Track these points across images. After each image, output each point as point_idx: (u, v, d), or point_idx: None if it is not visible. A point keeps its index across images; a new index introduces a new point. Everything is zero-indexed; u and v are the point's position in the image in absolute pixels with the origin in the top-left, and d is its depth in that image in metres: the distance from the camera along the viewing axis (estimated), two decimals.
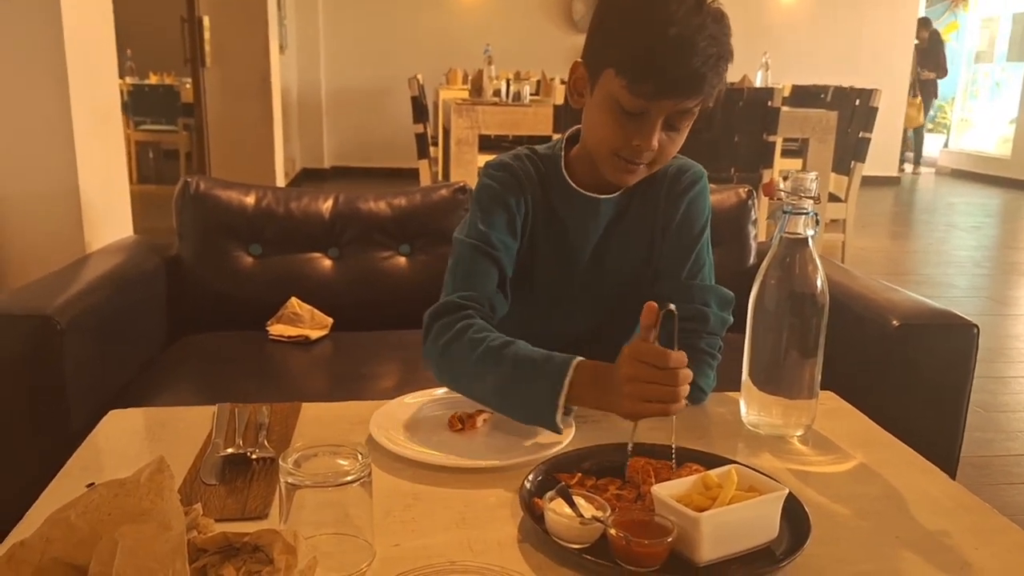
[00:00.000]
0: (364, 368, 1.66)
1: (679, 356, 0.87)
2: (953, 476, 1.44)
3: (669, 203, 1.17)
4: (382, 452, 0.94)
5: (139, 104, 7.51)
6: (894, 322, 1.43)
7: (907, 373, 1.44)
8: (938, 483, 0.93)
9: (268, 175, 4.99)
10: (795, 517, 0.78)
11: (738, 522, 0.74)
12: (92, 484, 0.70)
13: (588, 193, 1.17)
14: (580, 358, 0.97)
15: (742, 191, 1.90)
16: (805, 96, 5.43)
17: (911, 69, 8.82)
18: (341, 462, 0.76)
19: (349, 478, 0.73)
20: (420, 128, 4.01)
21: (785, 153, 4.39)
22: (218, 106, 4.91)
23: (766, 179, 3.44)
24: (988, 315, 4.04)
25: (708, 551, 0.72)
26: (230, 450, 0.94)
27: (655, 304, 0.87)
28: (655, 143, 1.04)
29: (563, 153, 1.18)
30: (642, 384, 0.88)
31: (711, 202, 1.20)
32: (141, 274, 1.75)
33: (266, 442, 0.97)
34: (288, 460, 0.73)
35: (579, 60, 1.11)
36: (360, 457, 0.75)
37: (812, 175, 0.99)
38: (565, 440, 0.96)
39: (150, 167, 7.73)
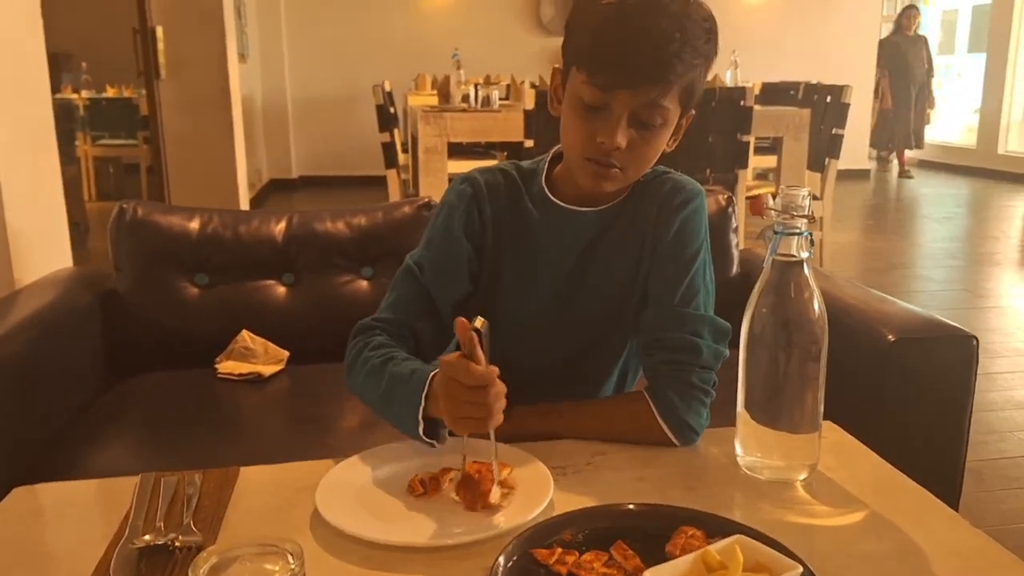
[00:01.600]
0: (324, 407, 1.53)
1: (484, 372, 0.83)
2: (958, 494, 1.34)
3: (660, 221, 1.07)
4: (330, 530, 0.81)
5: (97, 119, 7.29)
6: (890, 336, 1.33)
7: (905, 389, 1.35)
8: (961, 534, 0.82)
9: (231, 188, 4.82)
10: None
11: None
12: None
13: (568, 206, 1.08)
14: (437, 371, 0.91)
15: (721, 198, 1.79)
16: (775, 94, 5.37)
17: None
18: (268, 566, 0.63)
19: None
20: (387, 137, 3.88)
21: (758, 151, 4.33)
22: (175, 119, 4.73)
23: (742, 179, 3.36)
24: (966, 308, 4.00)
25: None
26: (147, 538, 0.80)
27: (464, 320, 0.83)
28: (619, 140, 0.97)
29: (547, 168, 1.11)
30: (453, 402, 0.85)
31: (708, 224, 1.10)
32: (72, 312, 1.61)
33: (192, 524, 0.83)
34: (201, 569, 0.60)
35: (556, 66, 1.06)
36: (291, 559, 0.62)
37: (804, 191, 0.88)
38: (543, 502, 0.84)
39: (110, 183, 7.49)
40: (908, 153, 9.06)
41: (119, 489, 0.91)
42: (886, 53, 8.62)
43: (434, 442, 0.93)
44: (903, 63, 8.57)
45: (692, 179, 1.10)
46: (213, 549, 0.63)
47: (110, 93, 7.61)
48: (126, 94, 7.45)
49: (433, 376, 0.92)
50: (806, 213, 0.86)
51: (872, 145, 9.04)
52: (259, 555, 0.64)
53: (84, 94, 7.27)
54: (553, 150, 1.12)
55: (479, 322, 0.84)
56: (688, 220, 1.06)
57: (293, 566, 0.61)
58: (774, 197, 0.87)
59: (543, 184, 1.09)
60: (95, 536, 0.82)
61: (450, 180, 1.25)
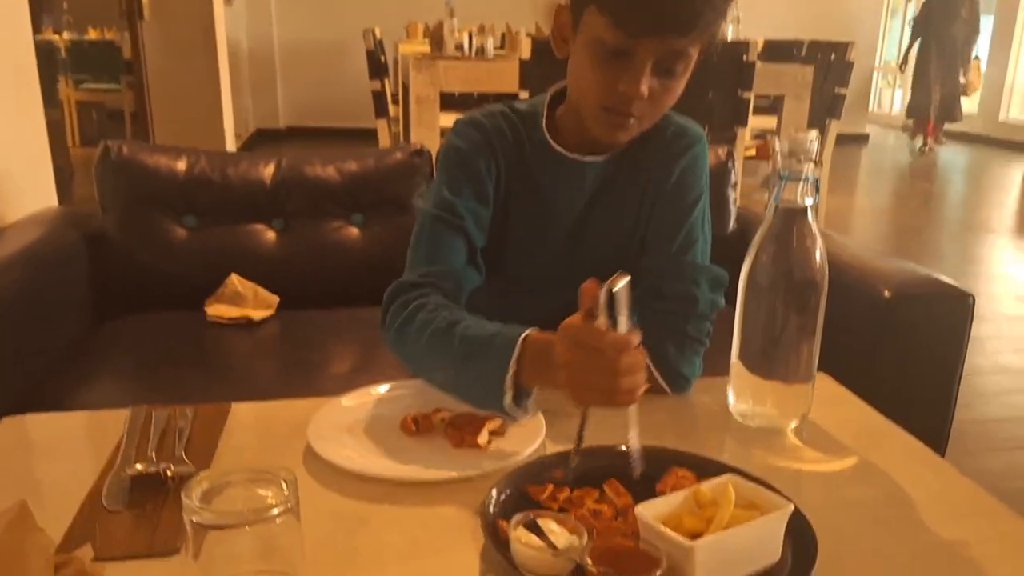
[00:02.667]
0: (315, 352, 1.52)
1: (619, 338, 0.72)
2: (943, 450, 1.36)
3: (662, 167, 1.04)
4: (323, 465, 0.81)
5: (79, 61, 7.09)
6: (885, 293, 1.34)
7: (899, 346, 1.35)
8: (949, 481, 0.83)
9: (217, 136, 4.73)
10: (799, 534, 0.67)
11: (738, 548, 0.63)
12: None
13: (572, 156, 1.04)
14: (530, 331, 0.83)
15: (721, 152, 1.77)
16: (777, 51, 5.26)
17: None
18: (261, 492, 0.62)
19: (271, 513, 0.60)
20: (377, 85, 3.81)
21: (756, 111, 4.27)
22: (159, 62, 4.62)
23: (741, 138, 3.33)
24: (957, 273, 4.02)
25: None
26: (139, 467, 0.80)
27: (592, 284, 0.74)
28: (644, 89, 0.91)
29: (546, 111, 1.06)
30: (577, 371, 0.75)
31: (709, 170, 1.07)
32: (58, 252, 1.58)
33: (184, 455, 0.83)
34: (193, 494, 0.60)
35: (562, 3, 0.99)
36: (284, 485, 0.62)
37: (812, 134, 0.86)
38: (536, 441, 0.84)
39: (94, 129, 7.34)
40: (906, 118, 8.74)
41: (109, 422, 0.91)
42: (920, 19, 7.97)
43: (519, 415, 0.84)
44: (935, 28, 7.83)
45: (693, 122, 1.07)
46: (207, 474, 0.62)
47: (92, 35, 7.41)
48: (108, 36, 7.26)
49: (524, 338, 0.83)
50: (813, 157, 0.84)
51: (908, 115, 8.52)
52: (252, 481, 0.63)
53: (66, 36, 7.07)
54: (551, 90, 1.07)
55: (618, 280, 0.72)
56: (689, 167, 1.04)
57: (287, 493, 0.61)
58: (780, 140, 0.86)
59: (545, 131, 1.05)
60: (85, 466, 0.81)
61: (441, 132, 1.20)
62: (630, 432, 0.76)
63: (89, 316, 1.63)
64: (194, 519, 0.59)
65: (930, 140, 8.21)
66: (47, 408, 1.00)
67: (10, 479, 0.82)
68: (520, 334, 0.83)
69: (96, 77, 7.15)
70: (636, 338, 0.73)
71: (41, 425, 0.95)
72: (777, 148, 0.85)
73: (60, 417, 0.97)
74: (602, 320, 0.73)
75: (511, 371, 0.81)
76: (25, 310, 1.41)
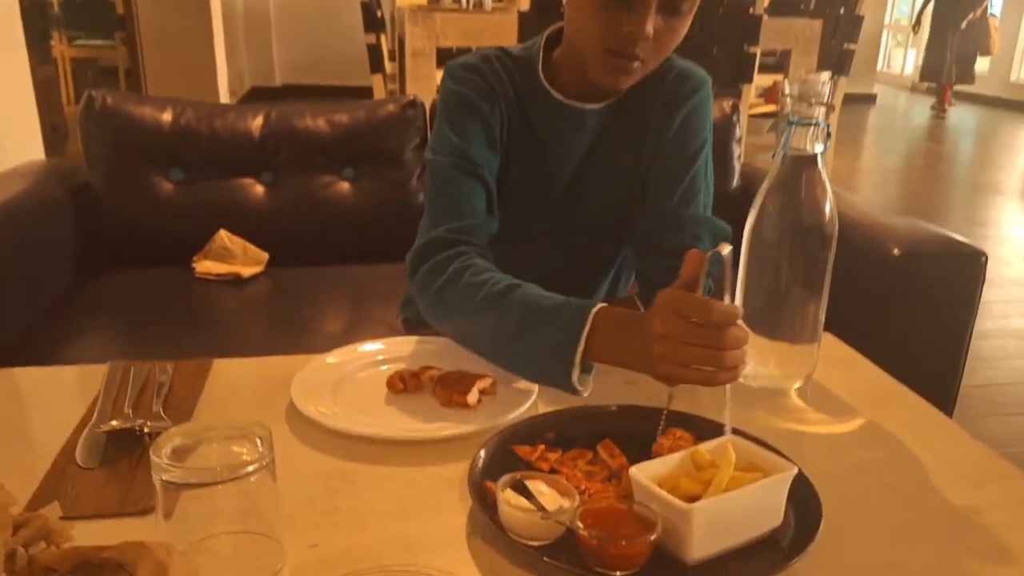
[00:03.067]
0: (305, 309, 1.49)
1: (728, 309, 0.68)
2: (951, 414, 1.33)
3: (664, 114, 0.99)
4: (306, 423, 0.77)
5: (72, 18, 6.94)
6: (895, 251, 1.29)
7: (908, 306, 1.31)
8: (959, 444, 0.80)
9: (211, 94, 4.65)
10: (801, 498, 0.63)
11: (738, 512, 0.60)
12: None
13: (571, 103, 0.99)
14: (602, 304, 0.79)
15: (726, 104, 1.72)
16: (785, 4, 5.14)
17: None
18: (235, 449, 0.59)
19: (248, 470, 0.57)
20: (372, 39, 3.70)
21: (762, 69, 4.18)
22: (152, 18, 4.52)
23: (746, 94, 3.25)
24: (965, 236, 3.96)
25: (700, 548, 0.58)
26: (115, 423, 0.76)
27: (698, 252, 0.69)
28: (649, 28, 0.86)
29: (541, 55, 1.00)
30: (676, 343, 0.70)
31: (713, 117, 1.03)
32: (42, 205, 1.53)
33: (162, 411, 0.80)
34: (162, 452, 0.56)
35: None
36: (259, 443, 0.58)
37: (824, 76, 0.81)
38: (527, 401, 0.81)
39: (89, 86, 7.17)
40: (915, 79, 8.59)
41: (87, 376, 0.88)
42: None
43: (583, 390, 0.79)
44: None
45: (697, 65, 1.02)
46: (177, 430, 0.59)
47: None
48: None
49: (597, 312, 0.79)
50: (824, 100, 0.79)
51: (921, 77, 8.33)
52: (226, 438, 0.60)
53: None
54: (545, 33, 1.02)
55: (724, 248, 0.68)
56: (693, 113, 0.99)
57: (261, 449, 0.58)
58: (790, 82, 0.81)
59: (541, 76, 1.00)
60: (62, 420, 0.78)
61: (438, 89, 1.13)
62: (725, 412, 0.71)
63: (75, 272, 1.59)
64: (163, 477, 0.56)
65: (946, 106, 7.98)
66: (33, 363, 0.97)
67: None
68: (592, 307, 0.79)
69: (90, 34, 7.00)
70: (740, 311, 0.69)
71: (19, 379, 0.92)
72: (787, 91, 0.80)
73: (39, 371, 0.94)
74: (701, 292, 0.69)
75: (582, 345, 0.76)
76: (8, 265, 1.38)
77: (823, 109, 0.80)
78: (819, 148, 0.82)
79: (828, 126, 0.81)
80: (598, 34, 0.89)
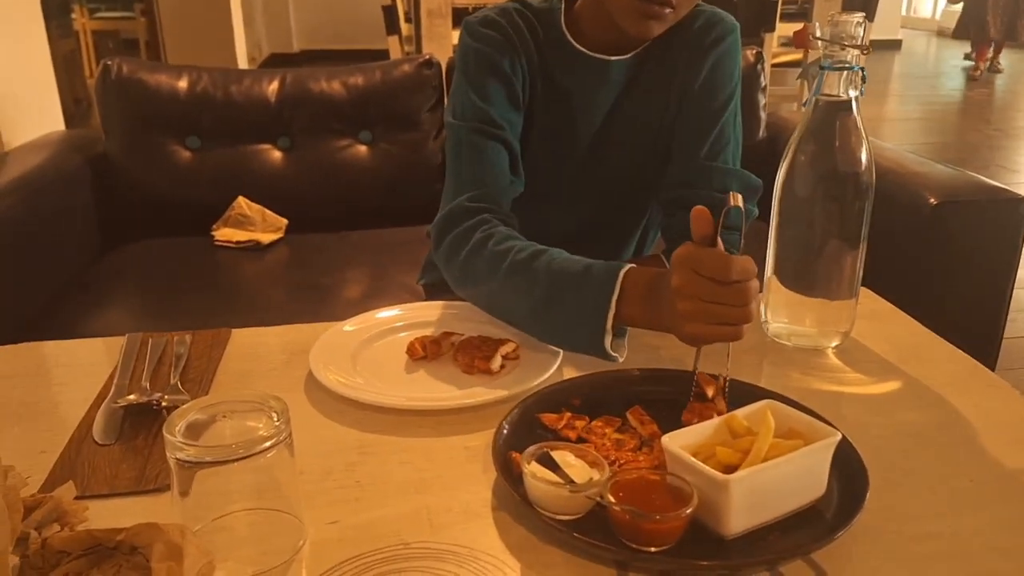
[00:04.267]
0: (325, 275, 1.47)
1: (745, 264, 0.66)
2: (993, 367, 1.28)
3: (691, 62, 0.94)
4: (325, 393, 0.75)
5: None
6: (931, 200, 1.23)
7: (946, 256, 1.26)
8: (1011, 402, 0.76)
9: (229, 62, 4.62)
10: (846, 465, 0.60)
11: (779, 482, 0.56)
12: None
13: (595, 55, 0.94)
14: (630, 265, 0.76)
15: (749, 54, 1.65)
16: None
17: None
18: (251, 424, 0.57)
19: (265, 446, 0.55)
20: (387, 1, 3.64)
21: (784, 17, 4.06)
22: None
23: (768, 43, 3.14)
24: (1002, 185, 3.84)
25: (738, 521, 0.55)
26: (132, 397, 0.75)
27: (705, 209, 0.66)
28: None
29: (563, 7, 0.96)
30: (699, 302, 0.67)
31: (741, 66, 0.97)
32: (62, 175, 1.52)
33: (180, 384, 0.78)
34: (176, 429, 0.55)
35: None
36: (275, 417, 0.56)
37: (858, 16, 0.76)
38: (552, 366, 0.78)
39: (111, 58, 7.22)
40: (942, 23, 8.04)
41: (105, 350, 0.87)
42: None
43: (618, 357, 0.76)
44: None
45: (724, 12, 0.97)
46: (191, 405, 0.57)
47: None
48: None
49: (625, 273, 0.75)
50: (859, 43, 0.74)
51: (954, 35, 7.31)
52: (242, 412, 0.58)
53: None
54: None
55: (734, 201, 0.65)
56: (720, 61, 0.94)
57: (278, 423, 0.55)
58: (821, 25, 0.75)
59: (564, 28, 0.96)
60: (79, 396, 0.77)
61: (454, 49, 1.08)
62: (729, 362, 0.70)
63: (95, 242, 1.58)
64: (177, 456, 0.54)
65: (982, 66, 6.97)
66: (54, 336, 0.96)
67: (4, 407, 0.78)
68: (620, 267, 0.75)
69: (110, 5, 6.98)
70: (753, 264, 0.66)
71: (37, 353, 0.91)
72: (818, 34, 0.75)
73: (56, 345, 0.93)
74: (720, 247, 0.66)
75: (612, 309, 0.73)
76: (28, 235, 1.37)
77: (857, 52, 0.74)
78: (853, 93, 0.76)
79: (863, 69, 0.76)
80: None
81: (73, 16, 6.54)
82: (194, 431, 0.56)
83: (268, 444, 0.55)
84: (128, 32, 7.06)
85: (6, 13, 1.93)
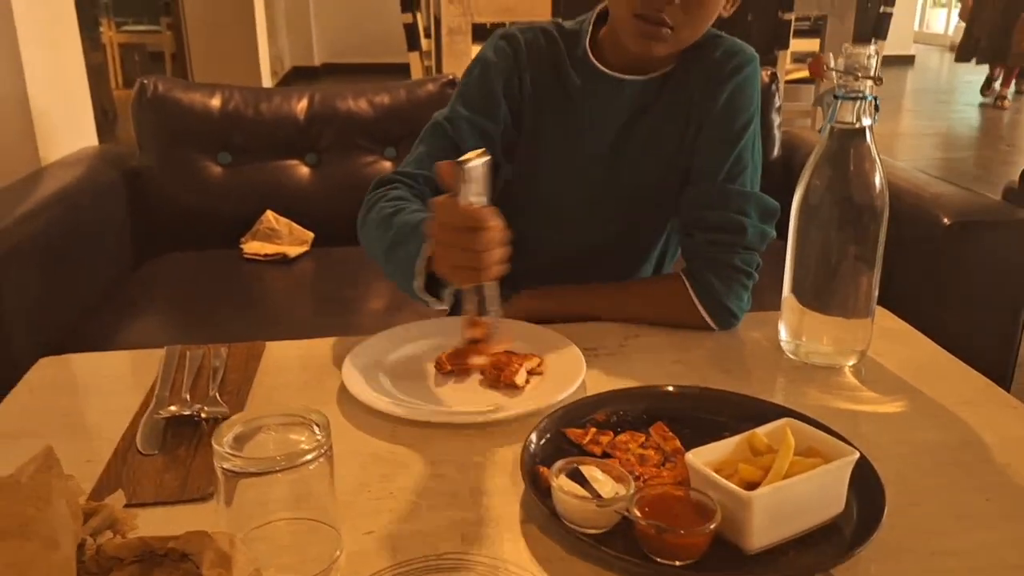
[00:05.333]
0: (350, 288, 1.50)
1: (472, 212, 0.72)
2: (1008, 387, 1.29)
3: (710, 89, 0.98)
4: (357, 406, 0.78)
5: (120, 4, 7.08)
6: (945, 220, 1.25)
7: (960, 276, 1.28)
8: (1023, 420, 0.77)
9: (253, 75, 4.70)
10: (864, 483, 0.62)
11: (799, 499, 0.59)
12: None
13: (612, 72, 0.99)
14: None
15: (764, 74, 1.67)
16: None
17: None
18: (294, 436, 0.60)
19: (304, 459, 0.57)
20: (409, 18, 3.71)
21: (797, 34, 4.08)
22: (197, 4, 4.58)
23: (782, 61, 3.17)
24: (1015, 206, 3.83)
25: (760, 536, 0.57)
26: (173, 409, 0.78)
27: (447, 163, 0.73)
28: None
29: (590, 30, 1.02)
30: (446, 248, 0.75)
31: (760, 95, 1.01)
32: (97, 190, 1.57)
33: (218, 396, 0.81)
34: (224, 440, 0.58)
35: None
36: (317, 429, 0.59)
37: (871, 48, 0.79)
38: (576, 380, 0.80)
39: (136, 70, 7.35)
40: (954, 38, 7.37)
41: (144, 361, 0.90)
42: None
43: (432, 300, 0.84)
44: None
45: (745, 43, 1.00)
46: (238, 418, 0.60)
47: None
48: None
49: None
50: (872, 74, 0.77)
51: (957, 57, 6.49)
52: (284, 425, 0.61)
53: None
54: (598, 8, 1.03)
55: (472, 155, 0.72)
56: (740, 89, 0.97)
57: (319, 437, 0.58)
58: (834, 57, 0.78)
59: (587, 47, 1.01)
60: (121, 406, 0.80)
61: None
62: (492, 305, 0.76)
63: (129, 254, 1.63)
64: (224, 466, 0.57)
65: (1005, 91, 6.10)
66: (89, 347, 0.99)
67: (46, 420, 0.81)
68: None
69: (137, 19, 7.13)
70: (491, 212, 0.72)
71: (77, 365, 0.95)
72: (832, 65, 0.77)
73: (96, 357, 0.96)
74: (464, 193, 0.72)
75: (424, 256, 0.81)
76: (66, 249, 1.42)
77: (870, 82, 0.77)
78: (867, 122, 0.79)
79: (876, 99, 0.78)
80: (627, 0, 0.91)
81: (101, 29, 6.69)
82: (240, 442, 0.59)
83: (310, 456, 0.58)
84: (154, 45, 7.20)
85: (44, 30, 1.99)
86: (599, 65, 1.00)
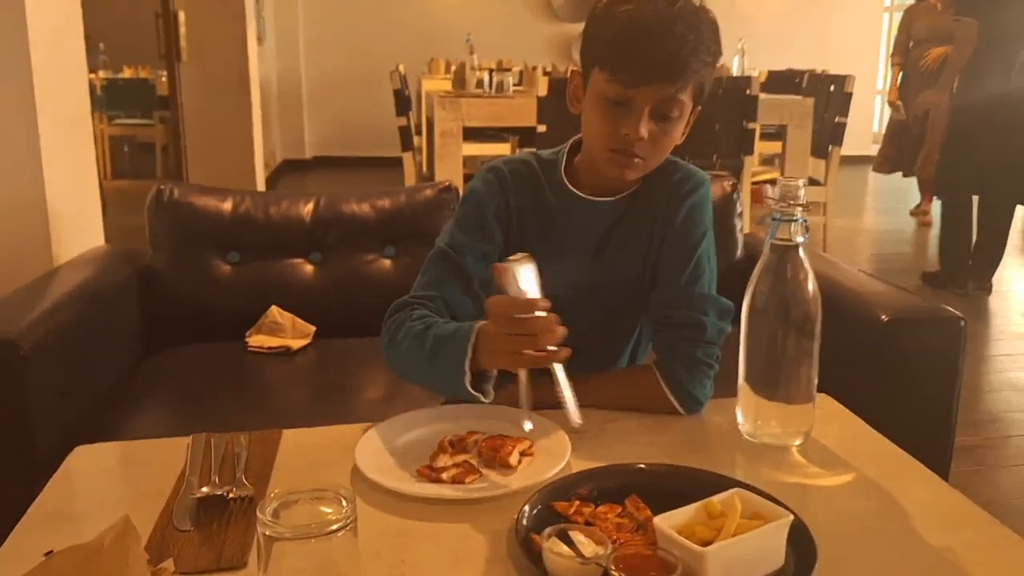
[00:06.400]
0: (349, 378, 1.62)
1: (527, 300, 0.88)
2: (947, 469, 1.42)
3: (670, 207, 1.15)
4: (370, 485, 0.90)
5: (113, 98, 7.31)
6: (883, 317, 1.41)
7: (897, 368, 1.42)
8: (939, 493, 0.91)
9: (247, 169, 4.88)
10: (800, 542, 0.75)
11: (744, 554, 0.71)
12: (50, 552, 0.66)
13: (585, 196, 1.16)
14: (483, 323, 0.97)
15: (727, 184, 1.86)
16: (780, 82, 5.43)
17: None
18: (324, 509, 0.71)
19: (334, 527, 0.69)
20: (403, 121, 3.97)
21: (764, 136, 4.41)
22: (195, 101, 4.79)
23: (747, 165, 3.43)
24: (966, 293, 4.04)
25: None
26: (205, 490, 0.89)
27: (501, 264, 0.90)
28: (643, 131, 1.05)
29: (565, 158, 1.19)
30: (504, 338, 0.91)
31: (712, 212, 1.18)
32: (112, 287, 1.70)
33: (244, 478, 0.92)
34: (266, 510, 0.69)
35: (575, 68, 1.15)
36: (344, 503, 0.71)
37: (800, 182, 0.96)
38: (562, 461, 0.93)
39: (125, 161, 7.57)
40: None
41: (171, 448, 0.99)
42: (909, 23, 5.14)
43: (480, 396, 0.98)
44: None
45: (698, 168, 1.18)
46: (275, 494, 0.71)
47: (127, 74, 7.65)
48: (142, 75, 7.49)
49: (480, 328, 0.96)
50: (801, 202, 0.94)
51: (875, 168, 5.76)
52: (315, 500, 0.72)
53: (101, 74, 7.31)
54: (570, 141, 1.20)
55: (517, 256, 0.88)
56: (694, 208, 1.14)
57: (346, 509, 0.70)
58: (773, 186, 0.95)
59: (563, 175, 1.17)
60: (154, 489, 0.90)
61: (464, 163, 1.34)
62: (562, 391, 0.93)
63: (140, 347, 1.74)
64: (267, 532, 0.68)
65: (927, 207, 5.57)
66: (104, 436, 1.10)
67: (88, 501, 0.92)
68: (476, 324, 0.97)
69: (129, 112, 7.36)
70: (543, 301, 0.90)
71: (110, 452, 1.06)
72: (770, 194, 0.94)
73: (127, 445, 1.08)
74: (518, 290, 0.88)
75: (468, 355, 0.95)
76: (81, 344, 1.52)
77: (800, 208, 0.94)
78: (800, 239, 0.95)
79: (806, 221, 0.95)
80: (604, 137, 1.08)
81: (92, 123, 6.89)
82: (278, 514, 0.71)
83: (337, 526, 0.69)
84: (144, 136, 7.43)
85: (64, 137, 2.11)
86: (574, 189, 1.16)
